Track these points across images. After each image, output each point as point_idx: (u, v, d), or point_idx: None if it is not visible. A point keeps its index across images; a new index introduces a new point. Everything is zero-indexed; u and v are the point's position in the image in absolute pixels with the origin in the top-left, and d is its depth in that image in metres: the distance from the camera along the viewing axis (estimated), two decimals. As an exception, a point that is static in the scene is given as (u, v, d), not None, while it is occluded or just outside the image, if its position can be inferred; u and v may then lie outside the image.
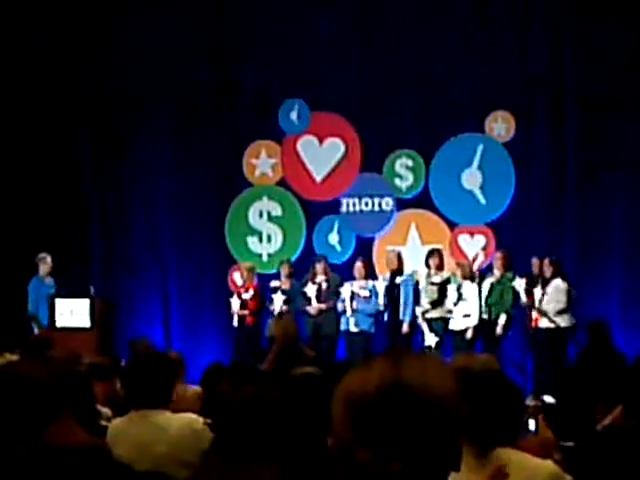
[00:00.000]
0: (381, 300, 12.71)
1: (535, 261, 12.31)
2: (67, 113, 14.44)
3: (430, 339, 12.41)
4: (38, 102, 14.29)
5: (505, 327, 12.23)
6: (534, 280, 12.20)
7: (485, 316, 12.27)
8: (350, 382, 1.89)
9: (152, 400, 4.68)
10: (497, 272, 12.45)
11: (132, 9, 14.43)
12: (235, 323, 13.20)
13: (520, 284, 12.17)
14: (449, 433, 1.86)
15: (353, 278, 12.88)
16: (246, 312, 13.17)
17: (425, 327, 12.45)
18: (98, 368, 6.68)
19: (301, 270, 13.32)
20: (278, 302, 13.02)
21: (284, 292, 13.07)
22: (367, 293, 12.72)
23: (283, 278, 13.23)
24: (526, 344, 12.43)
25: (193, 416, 4.80)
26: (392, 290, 12.67)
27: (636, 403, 4.29)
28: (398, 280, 12.70)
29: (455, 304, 12.33)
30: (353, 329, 12.68)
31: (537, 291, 12.09)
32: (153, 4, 14.47)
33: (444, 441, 1.86)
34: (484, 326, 12.28)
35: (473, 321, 12.23)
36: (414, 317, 12.51)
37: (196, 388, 6.48)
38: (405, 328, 12.52)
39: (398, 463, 1.81)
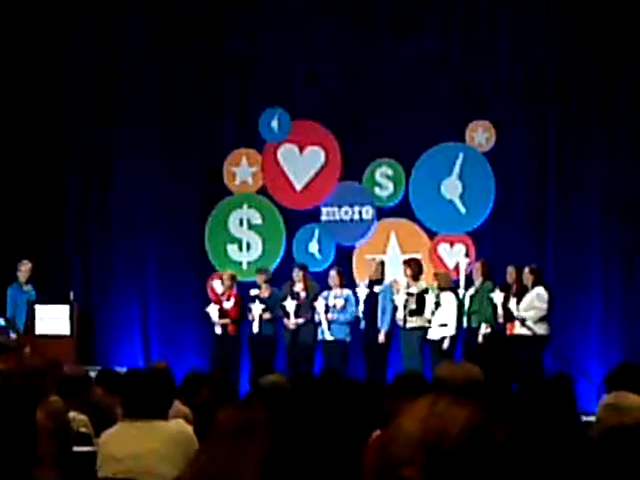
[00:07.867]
0: (360, 308, 12.74)
1: (511, 270, 12.30)
2: (50, 124, 14.44)
3: None
4: (21, 110, 14.27)
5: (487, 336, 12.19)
6: (510, 289, 12.18)
7: (466, 325, 12.29)
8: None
9: (151, 412, 4.92)
10: (476, 282, 12.48)
11: (117, 13, 14.48)
12: (218, 331, 13.19)
13: (498, 297, 12.15)
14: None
15: (330, 287, 12.90)
16: (227, 321, 13.16)
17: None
18: (73, 380, 6.66)
19: (281, 278, 13.31)
20: (257, 311, 13.01)
21: (262, 301, 13.06)
22: (342, 302, 12.72)
23: (262, 287, 13.23)
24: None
25: (183, 422, 5.10)
26: (370, 299, 12.70)
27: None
28: (377, 289, 12.73)
29: (433, 314, 12.34)
30: (329, 338, 12.70)
31: (514, 301, 12.09)
32: (139, 11, 14.51)
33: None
34: (467, 335, 12.29)
35: (450, 331, 12.24)
36: (392, 327, 12.53)
37: (185, 409, 6.32)
38: (381, 338, 12.53)
39: None
